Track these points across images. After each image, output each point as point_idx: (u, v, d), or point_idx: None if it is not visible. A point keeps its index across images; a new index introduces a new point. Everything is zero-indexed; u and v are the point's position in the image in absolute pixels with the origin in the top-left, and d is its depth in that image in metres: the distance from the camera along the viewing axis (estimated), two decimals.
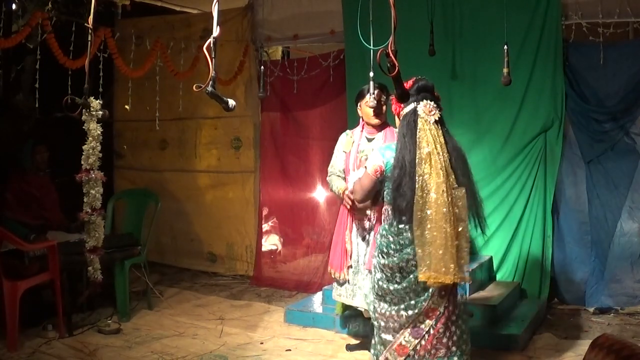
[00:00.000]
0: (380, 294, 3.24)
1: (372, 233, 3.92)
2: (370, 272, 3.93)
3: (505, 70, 4.20)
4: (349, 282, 4.03)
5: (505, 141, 5.20)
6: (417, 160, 3.03)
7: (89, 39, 3.46)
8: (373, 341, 3.38)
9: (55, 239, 4.67)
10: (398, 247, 3.15)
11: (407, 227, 3.10)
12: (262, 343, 4.47)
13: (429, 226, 2.96)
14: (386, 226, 3.22)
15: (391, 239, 3.17)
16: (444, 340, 3.14)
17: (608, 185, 4.98)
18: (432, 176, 3.00)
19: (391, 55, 2.65)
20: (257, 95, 6.06)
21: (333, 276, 4.12)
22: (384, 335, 3.23)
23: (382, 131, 4.02)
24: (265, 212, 6.39)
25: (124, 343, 4.42)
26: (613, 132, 4.95)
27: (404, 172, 3.05)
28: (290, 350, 4.34)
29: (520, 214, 5.15)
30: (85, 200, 4.21)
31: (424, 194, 2.99)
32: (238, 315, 5.13)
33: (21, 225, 4.92)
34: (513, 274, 5.14)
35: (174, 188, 6.77)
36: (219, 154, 6.64)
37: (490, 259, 5.19)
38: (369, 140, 4.01)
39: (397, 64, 2.69)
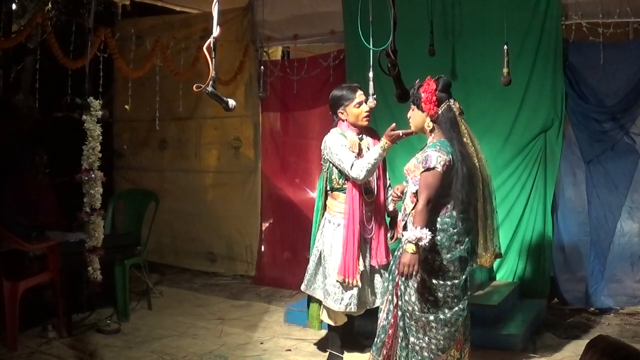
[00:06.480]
0: (444, 299, 3.27)
1: (372, 232, 3.93)
2: (375, 267, 3.93)
3: (505, 70, 4.21)
4: (358, 288, 3.84)
5: (505, 141, 5.19)
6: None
7: (89, 39, 3.47)
8: (421, 352, 3.29)
9: (55, 239, 4.67)
10: (460, 237, 3.27)
11: (464, 216, 3.26)
12: (262, 343, 4.47)
13: (483, 216, 3.34)
14: (446, 219, 3.26)
15: (451, 230, 3.25)
16: None
17: (608, 185, 4.97)
18: (478, 169, 3.29)
19: (391, 55, 2.64)
20: (257, 95, 6.08)
21: (344, 283, 3.82)
22: (447, 341, 3.27)
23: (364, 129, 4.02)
24: (266, 212, 6.38)
25: (124, 343, 4.42)
26: (613, 132, 4.95)
27: (471, 165, 3.25)
28: (290, 350, 4.34)
29: (520, 214, 5.14)
30: (85, 200, 4.22)
31: (478, 188, 3.30)
32: (238, 315, 5.13)
33: (21, 226, 4.92)
34: (513, 274, 5.13)
35: (174, 188, 6.76)
36: (219, 154, 6.63)
37: None
38: (360, 139, 3.97)
39: (397, 64, 2.68)
